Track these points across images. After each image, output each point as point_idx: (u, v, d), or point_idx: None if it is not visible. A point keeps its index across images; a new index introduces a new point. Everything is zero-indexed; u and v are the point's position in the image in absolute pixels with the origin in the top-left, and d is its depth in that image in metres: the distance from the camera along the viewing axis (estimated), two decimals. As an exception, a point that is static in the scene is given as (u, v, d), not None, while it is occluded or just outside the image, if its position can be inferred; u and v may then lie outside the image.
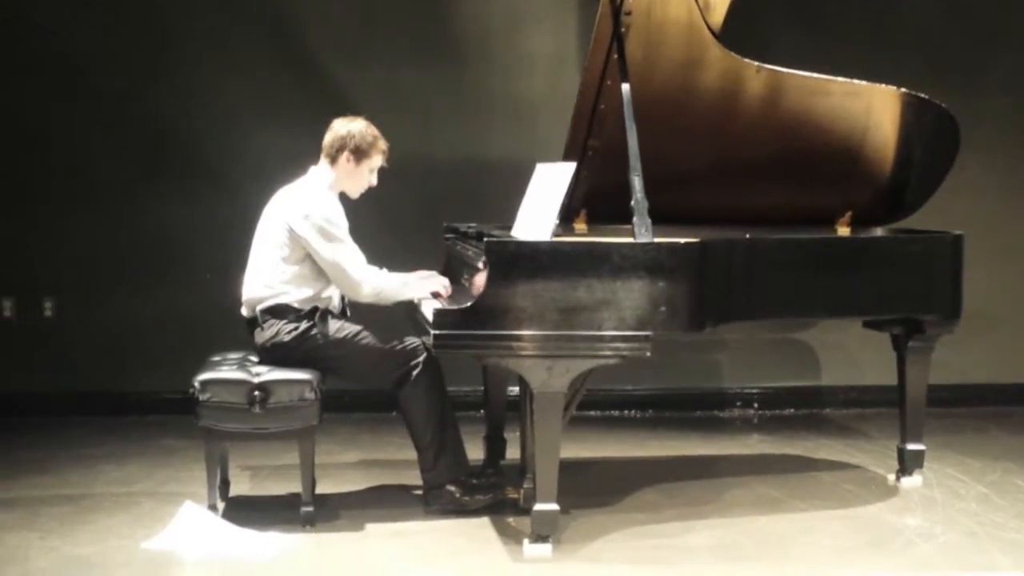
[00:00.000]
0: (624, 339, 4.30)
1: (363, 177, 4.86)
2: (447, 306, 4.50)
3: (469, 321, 4.28)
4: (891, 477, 5.36)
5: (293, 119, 6.26)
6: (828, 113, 5.18)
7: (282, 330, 4.71)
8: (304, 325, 4.71)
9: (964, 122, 5.28)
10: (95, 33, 6.47)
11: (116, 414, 6.46)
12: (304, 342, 4.70)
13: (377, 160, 4.86)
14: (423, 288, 4.80)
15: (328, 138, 4.83)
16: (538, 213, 4.59)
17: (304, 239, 4.66)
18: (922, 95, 5.21)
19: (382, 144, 4.86)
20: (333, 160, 4.82)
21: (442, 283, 4.82)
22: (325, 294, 4.77)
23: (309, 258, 4.69)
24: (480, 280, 4.35)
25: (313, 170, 4.86)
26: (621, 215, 4.50)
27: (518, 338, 4.27)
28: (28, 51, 6.46)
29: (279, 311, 4.73)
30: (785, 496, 5.13)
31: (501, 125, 6.63)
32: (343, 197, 4.87)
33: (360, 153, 4.81)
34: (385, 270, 4.80)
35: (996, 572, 4.24)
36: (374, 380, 4.82)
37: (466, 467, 4.87)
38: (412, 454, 4.85)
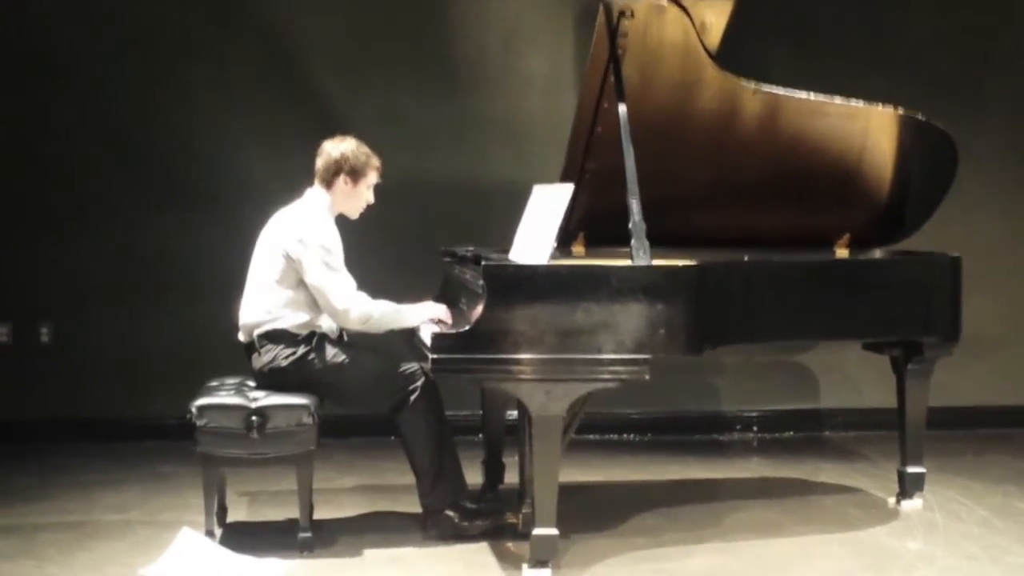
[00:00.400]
0: (623, 362, 4.30)
1: (361, 197, 4.86)
2: (445, 330, 4.49)
3: (467, 345, 4.27)
4: (891, 500, 5.35)
5: (290, 143, 6.25)
6: (825, 134, 5.19)
7: (279, 355, 4.71)
8: (301, 350, 4.70)
9: (961, 142, 5.28)
10: (93, 58, 6.49)
11: (113, 440, 6.43)
12: (302, 367, 4.69)
13: (373, 177, 4.86)
14: (419, 316, 4.77)
15: (321, 162, 4.82)
16: (536, 236, 4.59)
17: (297, 262, 4.66)
18: (919, 116, 5.22)
19: (375, 161, 4.85)
20: (329, 184, 4.81)
21: (442, 312, 4.78)
22: (322, 319, 4.76)
23: (305, 283, 4.69)
24: (479, 307, 4.34)
25: (309, 193, 4.85)
26: (619, 238, 4.50)
27: (516, 362, 4.26)
28: (27, 76, 6.47)
29: (276, 336, 4.72)
30: (785, 519, 5.11)
31: (498, 147, 6.64)
32: (342, 220, 4.86)
33: (356, 174, 4.80)
34: (382, 300, 4.76)
35: (998, 595, 4.24)
36: (372, 405, 4.81)
37: (465, 492, 4.86)
38: (410, 479, 4.84)
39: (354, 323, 4.69)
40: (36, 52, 6.46)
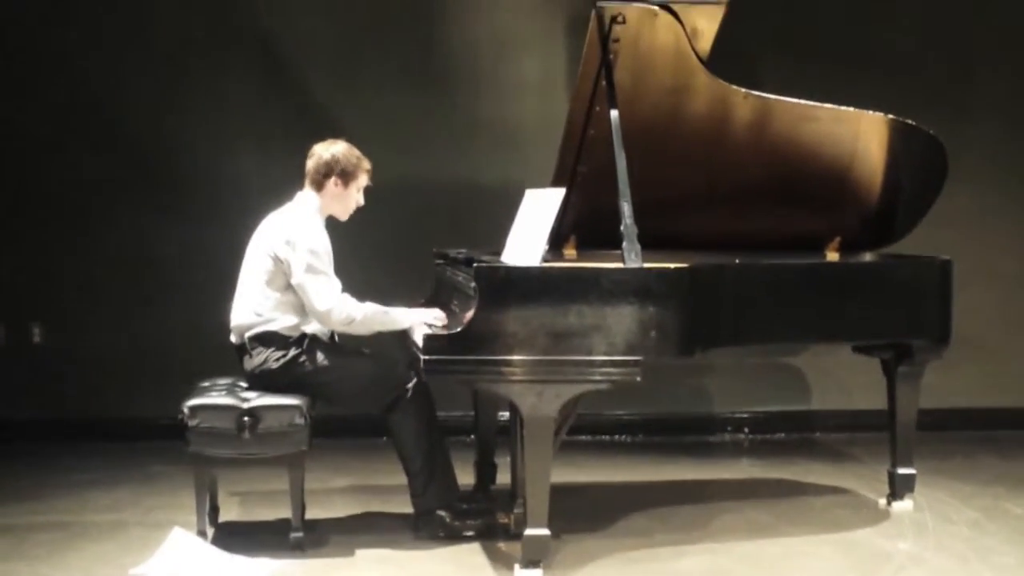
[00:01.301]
0: (614, 364, 4.31)
1: (351, 199, 4.86)
2: (437, 332, 4.50)
3: (459, 346, 4.28)
4: (882, 501, 5.37)
5: (282, 146, 6.27)
6: (815, 139, 5.21)
7: (270, 358, 4.71)
8: (292, 352, 4.71)
9: (951, 148, 5.30)
10: (87, 63, 6.50)
11: (105, 440, 6.44)
12: (292, 369, 4.70)
13: (363, 180, 4.87)
14: (407, 320, 4.75)
15: (311, 164, 4.83)
16: (528, 238, 4.61)
17: (285, 263, 4.67)
18: (909, 121, 5.23)
19: (365, 164, 4.86)
20: (319, 186, 4.82)
21: (434, 315, 4.76)
22: (312, 321, 4.76)
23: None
24: (471, 309, 4.35)
25: (299, 196, 4.86)
26: (610, 240, 4.51)
27: (508, 363, 4.27)
28: (23, 80, 6.48)
29: (266, 339, 4.73)
30: (776, 521, 5.13)
31: (491, 151, 6.65)
32: (333, 222, 4.87)
33: (347, 176, 4.81)
34: (368, 303, 4.74)
35: (987, 596, 4.26)
36: (364, 405, 4.82)
37: (456, 492, 4.87)
38: (402, 479, 4.85)
39: (336, 324, 4.69)
40: (32, 55, 6.47)
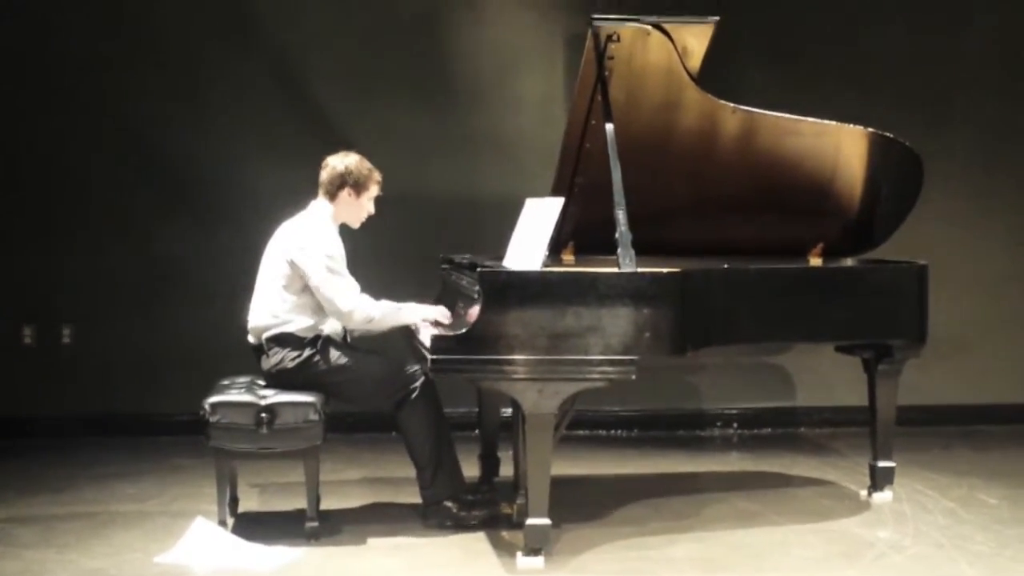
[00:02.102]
0: (610, 363, 4.33)
1: (363, 208, 4.89)
2: (444, 332, 4.52)
3: (464, 347, 4.30)
4: (863, 492, 5.38)
5: (297, 158, 6.24)
6: (799, 151, 5.21)
7: (286, 358, 4.74)
8: (307, 353, 4.73)
9: (929, 155, 5.30)
10: (118, 76, 6.53)
11: (130, 435, 6.45)
12: (307, 368, 4.72)
13: (374, 190, 4.89)
14: (417, 314, 4.80)
15: (325, 175, 4.85)
16: (528, 245, 4.62)
17: (301, 269, 4.69)
18: (888, 134, 5.24)
19: (376, 175, 4.88)
20: (333, 196, 4.84)
21: (440, 312, 4.80)
22: (327, 323, 4.78)
23: (309, 288, 4.72)
24: (476, 311, 4.37)
25: (313, 204, 4.88)
26: (606, 247, 4.51)
27: (510, 362, 4.29)
28: (51, 92, 6.52)
29: (283, 340, 4.75)
30: (762, 510, 5.14)
31: (493, 163, 6.66)
32: (345, 229, 4.90)
33: (359, 186, 4.84)
34: (383, 301, 4.80)
35: (961, 581, 4.27)
36: (375, 403, 4.84)
37: (462, 484, 4.89)
38: (411, 472, 4.86)
39: (358, 323, 4.72)
40: (60, 69, 6.51)
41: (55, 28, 6.49)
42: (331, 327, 4.81)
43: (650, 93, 4.98)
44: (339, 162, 4.84)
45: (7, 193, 6.55)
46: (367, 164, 4.87)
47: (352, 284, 4.72)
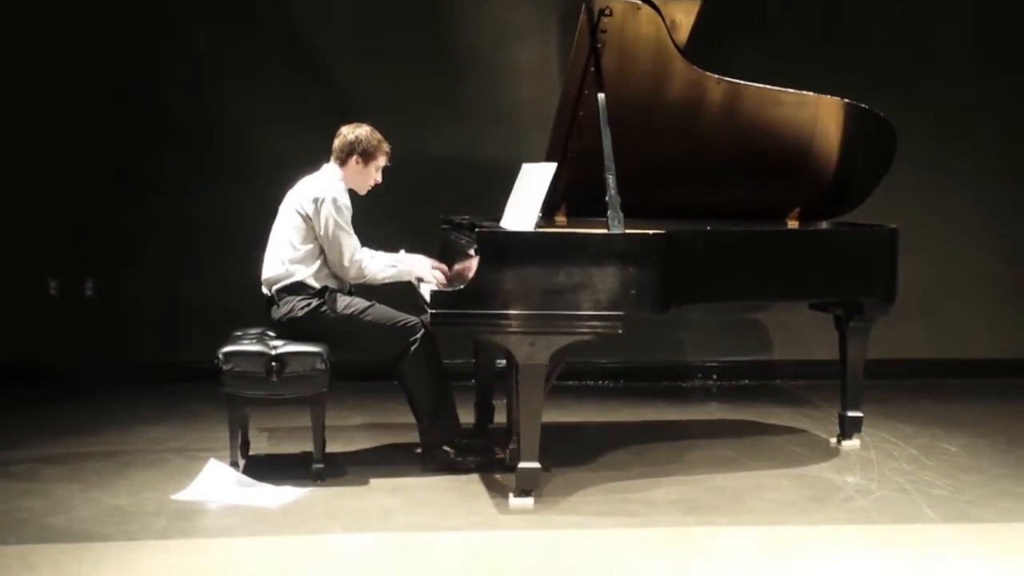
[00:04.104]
0: (599, 318, 4.32)
1: (370, 176, 4.87)
2: (443, 288, 4.50)
3: (462, 301, 4.29)
4: (833, 440, 5.39)
5: (307, 122, 6.27)
6: (779, 120, 5.18)
7: (296, 306, 4.72)
8: (316, 302, 4.71)
9: (900, 129, 5.27)
10: (141, 51, 6.51)
11: (149, 382, 6.46)
12: (316, 317, 4.71)
13: (382, 160, 4.87)
14: (413, 270, 4.75)
15: (337, 143, 4.83)
16: (523, 207, 4.60)
17: (312, 219, 4.68)
18: (863, 105, 5.20)
19: (385, 146, 4.86)
20: (343, 163, 4.82)
21: (431, 271, 4.72)
22: (334, 274, 4.77)
23: (319, 240, 4.70)
24: (472, 263, 4.35)
25: (325, 167, 4.87)
26: (597, 209, 4.51)
27: (505, 316, 4.28)
28: (82, 53, 6.47)
29: (293, 288, 4.73)
30: (739, 457, 5.15)
31: (491, 129, 6.63)
32: (352, 194, 4.86)
33: (367, 155, 4.82)
34: (379, 255, 4.76)
35: (924, 523, 4.28)
36: (378, 353, 4.82)
37: (459, 431, 4.89)
38: (411, 418, 4.86)
39: (353, 276, 4.72)
40: (90, 35, 6.47)
41: (100, 16, 6.47)
42: (338, 280, 4.78)
43: (640, 64, 4.94)
44: (351, 132, 4.83)
45: (34, 153, 6.50)
46: (377, 135, 4.84)
47: (354, 241, 4.70)
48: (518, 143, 6.19)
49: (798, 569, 3.86)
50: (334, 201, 4.66)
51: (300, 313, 4.71)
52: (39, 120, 6.50)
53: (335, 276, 4.77)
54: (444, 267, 4.80)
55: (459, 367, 5.68)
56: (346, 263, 4.68)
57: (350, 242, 4.69)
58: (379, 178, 4.90)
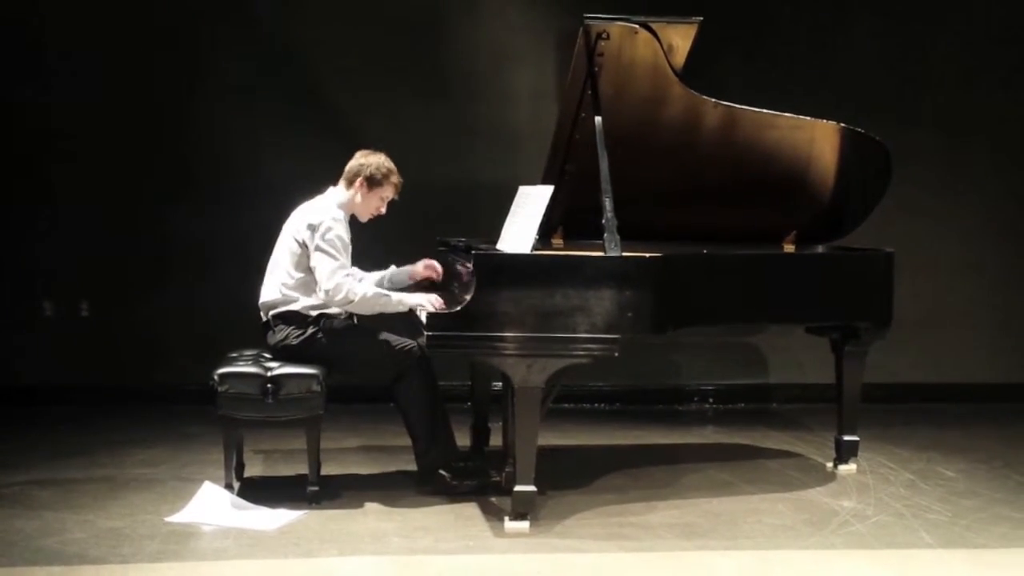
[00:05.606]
0: (595, 341, 4.32)
1: (372, 204, 4.84)
2: (440, 310, 4.50)
3: (459, 324, 4.29)
4: (829, 464, 5.38)
5: (307, 146, 6.31)
6: (776, 144, 5.19)
7: (291, 335, 4.72)
8: (310, 331, 4.71)
9: (896, 152, 5.29)
10: (135, 67, 6.51)
11: (143, 404, 6.44)
12: (311, 345, 4.70)
13: (388, 192, 4.85)
14: (408, 303, 4.64)
15: (349, 164, 4.84)
16: (520, 229, 4.61)
17: (306, 244, 4.67)
18: (859, 129, 5.22)
19: (395, 178, 4.83)
20: (350, 184, 4.82)
21: (432, 299, 4.61)
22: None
23: (315, 266, 4.70)
24: (466, 269, 4.33)
25: (331, 189, 4.86)
26: (593, 232, 4.51)
27: (502, 339, 4.29)
28: (70, 70, 6.47)
29: (288, 318, 4.73)
30: (735, 480, 5.15)
31: (488, 152, 6.64)
32: (352, 220, 4.85)
33: (373, 182, 4.80)
34: (370, 287, 4.73)
35: (921, 549, 4.27)
36: (374, 376, 4.82)
37: (455, 454, 4.88)
38: (407, 441, 4.86)
39: (338, 303, 4.66)
40: (77, 49, 6.48)
41: (75, 8, 6.46)
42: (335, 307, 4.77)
43: (637, 88, 4.95)
44: (364, 156, 4.84)
45: (31, 175, 6.50)
46: (390, 165, 4.83)
47: (336, 263, 4.63)
48: (515, 166, 6.21)
49: (795, 594, 3.86)
50: (326, 230, 4.64)
51: (295, 342, 4.71)
52: (30, 140, 6.49)
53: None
54: (441, 301, 4.70)
55: (455, 389, 5.67)
56: (328, 286, 4.60)
57: (331, 263, 4.62)
58: (383, 210, 4.87)
